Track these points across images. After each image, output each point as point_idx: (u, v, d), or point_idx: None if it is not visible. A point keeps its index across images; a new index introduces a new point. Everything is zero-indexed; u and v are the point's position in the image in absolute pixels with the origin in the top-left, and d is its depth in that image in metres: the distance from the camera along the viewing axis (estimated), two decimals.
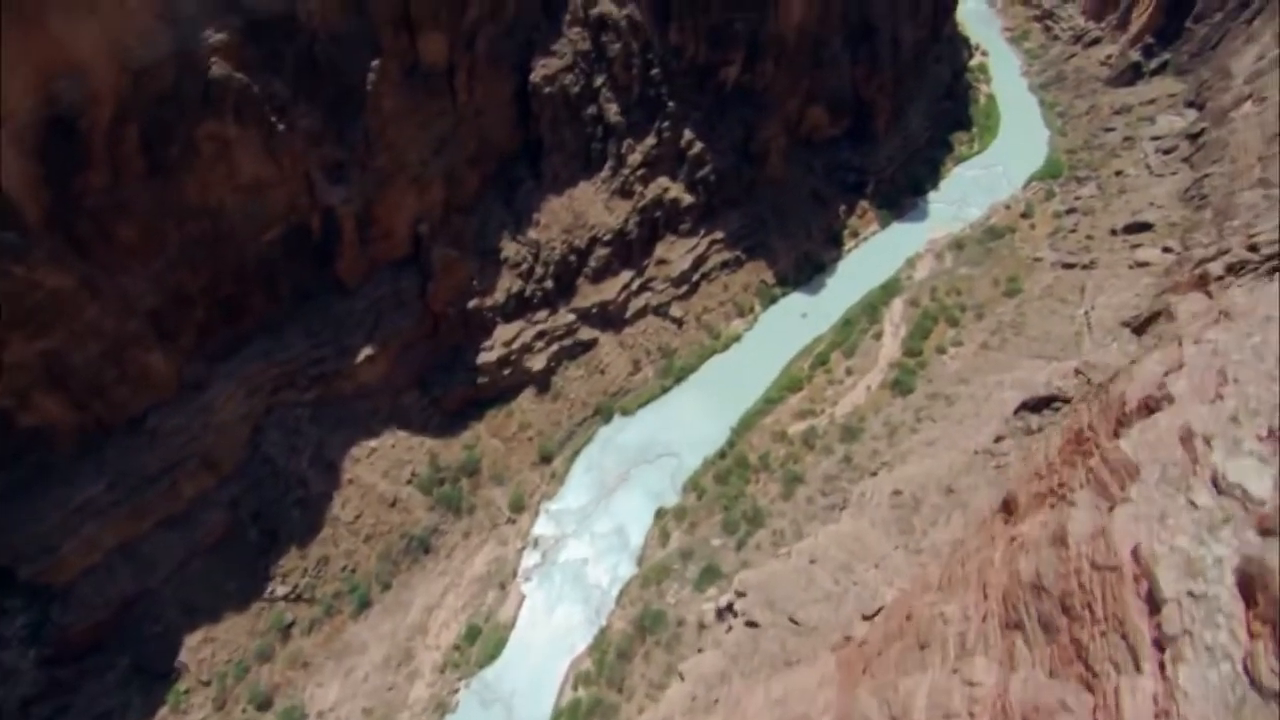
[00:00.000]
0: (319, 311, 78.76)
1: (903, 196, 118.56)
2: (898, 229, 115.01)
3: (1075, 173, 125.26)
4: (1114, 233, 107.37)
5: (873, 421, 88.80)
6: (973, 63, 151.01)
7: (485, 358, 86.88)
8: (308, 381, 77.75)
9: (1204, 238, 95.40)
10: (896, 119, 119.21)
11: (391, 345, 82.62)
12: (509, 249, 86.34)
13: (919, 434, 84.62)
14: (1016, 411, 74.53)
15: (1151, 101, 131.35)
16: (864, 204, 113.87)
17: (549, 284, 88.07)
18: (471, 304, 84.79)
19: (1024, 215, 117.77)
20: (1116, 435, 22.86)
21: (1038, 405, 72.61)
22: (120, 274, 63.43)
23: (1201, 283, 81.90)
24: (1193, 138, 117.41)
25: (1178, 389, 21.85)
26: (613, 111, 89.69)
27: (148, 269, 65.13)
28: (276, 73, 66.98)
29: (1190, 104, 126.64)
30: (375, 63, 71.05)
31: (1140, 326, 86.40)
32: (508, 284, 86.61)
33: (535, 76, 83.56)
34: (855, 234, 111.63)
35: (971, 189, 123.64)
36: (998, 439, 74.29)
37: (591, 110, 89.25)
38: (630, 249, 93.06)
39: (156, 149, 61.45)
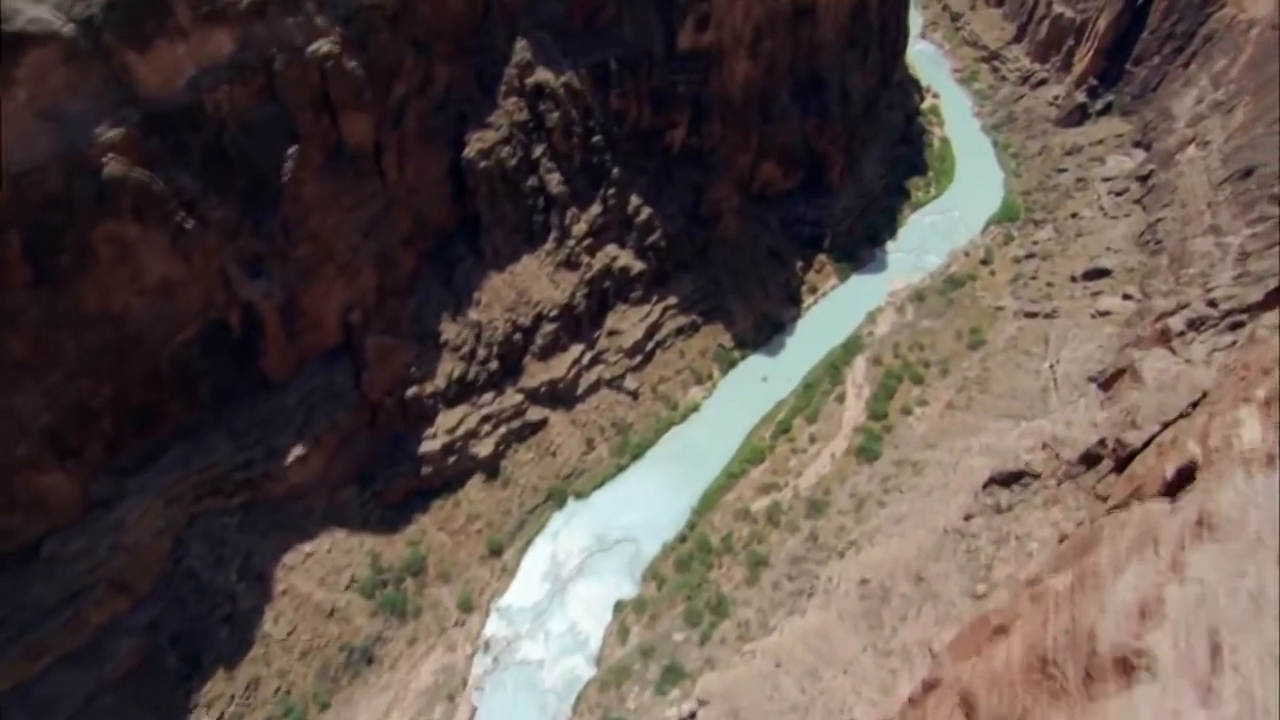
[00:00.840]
0: (244, 411, 73.42)
1: (861, 248, 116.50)
2: (857, 282, 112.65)
3: (1032, 215, 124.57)
4: (1074, 279, 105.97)
5: (838, 493, 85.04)
6: (925, 105, 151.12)
7: (428, 446, 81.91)
8: (234, 487, 72.13)
9: (1162, 284, 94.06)
10: (851, 169, 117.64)
11: (326, 440, 77.38)
12: (449, 331, 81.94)
13: (886, 508, 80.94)
14: (986, 485, 71.28)
15: (1100, 142, 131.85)
16: (822, 258, 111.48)
17: (493, 365, 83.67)
18: (411, 392, 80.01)
19: (983, 262, 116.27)
20: (1086, 687, 18.85)
21: (1007, 480, 69.32)
22: (8, 392, 57.89)
23: (1163, 338, 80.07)
24: (1142, 179, 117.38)
25: (1160, 651, 17.96)
26: (554, 181, 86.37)
27: (41, 384, 59.63)
28: (183, 166, 62.58)
29: (1137, 144, 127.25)
30: (292, 149, 66.93)
31: (1106, 382, 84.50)
32: (449, 368, 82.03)
33: (470, 151, 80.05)
34: (814, 289, 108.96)
35: (930, 236, 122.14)
36: (967, 517, 70.79)
37: (532, 181, 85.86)
38: (579, 322, 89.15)
39: (44, 256, 56.44)
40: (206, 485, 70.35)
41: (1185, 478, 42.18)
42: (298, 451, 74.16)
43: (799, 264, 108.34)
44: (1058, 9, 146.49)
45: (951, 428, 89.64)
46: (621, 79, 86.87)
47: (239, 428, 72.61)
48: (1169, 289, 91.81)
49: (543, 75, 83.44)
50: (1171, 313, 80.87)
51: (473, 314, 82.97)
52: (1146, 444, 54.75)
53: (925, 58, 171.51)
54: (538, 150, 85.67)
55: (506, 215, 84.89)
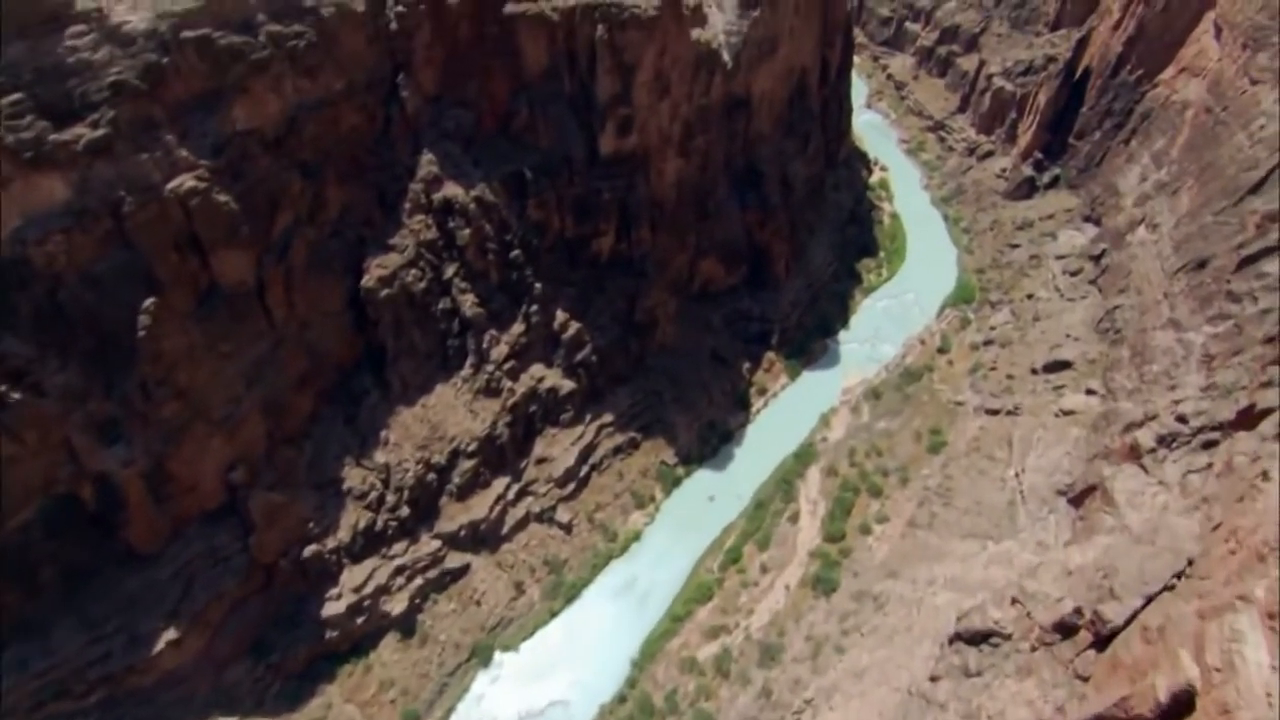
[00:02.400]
0: (103, 593, 63.43)
1: (812, 340, 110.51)
2: (809, 379, 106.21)
3: (987, 295, 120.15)
4: (1034, 371, 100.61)
5: (793, 635, 76.69)
6: (873, 180, 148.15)
7: (333, 608, 72.35)
8: (88, 686, 61.73)
9: (1126, 380, 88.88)
10: (798, 258, 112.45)
11: (210, 613, 67.47)
12: (353, 477, 73.23)
13: (846, 655, 72.70)
14: (952, 642, 63.67)
15: (1050, 216, 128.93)
16: (771, 355, 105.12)
17: (404, 511, 74.88)
18: (310, 549, 70.75)
19: (940, 350, 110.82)
20: None
21: (975, 639, 61.76)
22: None
23: (1133, 453, 74.05)
24: (1095, 259, 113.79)
25: None
26: (469, 303, 79.11)
27: None
28: (9, 329, 54.05)
29: (1087, 218, 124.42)
30: (149, 301, 58.75)
31: (1077, 498, 78.11)
32: (354, 518, 73.04)
33: (370, 279, 72.59)
34: (763, 391, 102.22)
35: (884, 322, 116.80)
36: (933, 678, 62.95)
37: (444, 304, 78.58)
38: (502, 453, 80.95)
39: None
40: (50, 689, 59.91)
41: (1183, 705, 35.97)
42: (169, 635, 64.14)
43: (746, 365, 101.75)
44: (998, 83, 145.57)
45: (913, 551, 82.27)
46: (539, 188, 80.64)
47: (94, 615, 62.52)
48: (1133, 387, 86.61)
49: (452, 189, 76.89)
50: (1140, 424, 75.16)
51: (379, 455, 74.42)
52: (1129, 620, 48.27)
53: (872, 128, 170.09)
54: (449, 270, 78.59)
55: (416, 343, 77.19)
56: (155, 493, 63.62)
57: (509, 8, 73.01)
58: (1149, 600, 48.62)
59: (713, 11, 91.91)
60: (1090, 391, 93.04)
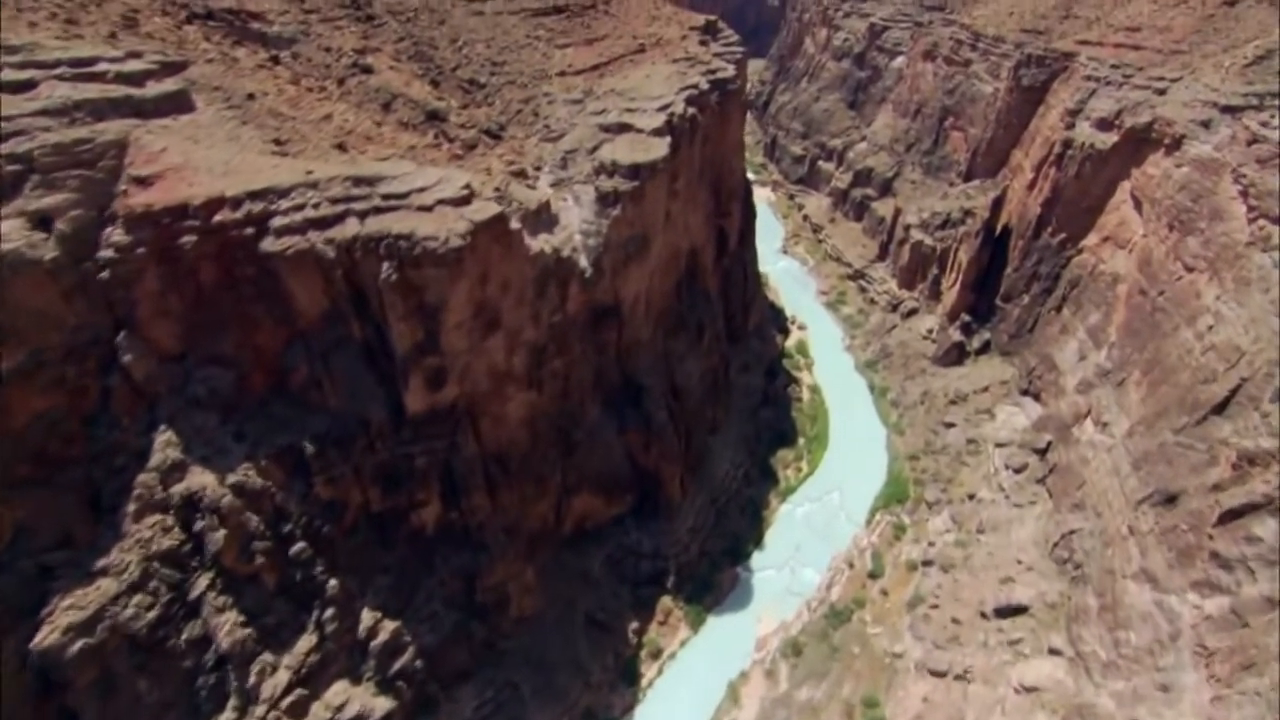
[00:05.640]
0: None
1: (718, 571, 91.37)
2: (715, 627, 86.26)
3: (923, 492, 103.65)
4: (984, 615, 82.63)
5: None
6: (790, 344, 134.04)
7: None
8: None
9: (1097, 644, 71.51)
10: (697, 470, 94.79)
11: None
12: None
13: None
14: None
15: (985, 389, 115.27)
16: (667, 601, 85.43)
17: None
18: None
19: (872, 575, 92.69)
20: None
21: None
22: None
23: None
24: (1040, 452, 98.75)
25: None
26: (227, 626, 57.94)
27: None
28: None
29: (1025, 392, 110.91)
30: None
31: None
32: None
33: (49, 634, 51.15)
34: (657, 653, 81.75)
35: (805, 536, 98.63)
36: None
37: (189, 634, 57.16)
38: None
39: None
40: None
41: None
42: None
43: (633, 624, 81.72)
44: (916, 235, 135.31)
45: None
46: (327, 461, 61.46)
47: None
48: (1108, 659, 69.01)
49: (200, 478, 57.13)
50: None
51: None
52: None
53: (789, 276, 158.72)
54: (200, 585, 57.72)
55: (142, 695, 55.15)
56: None
57: (267, 244, 55.79)
58: None
59: (568, 207, 77.02)
60: (1054, 651, 75.03)
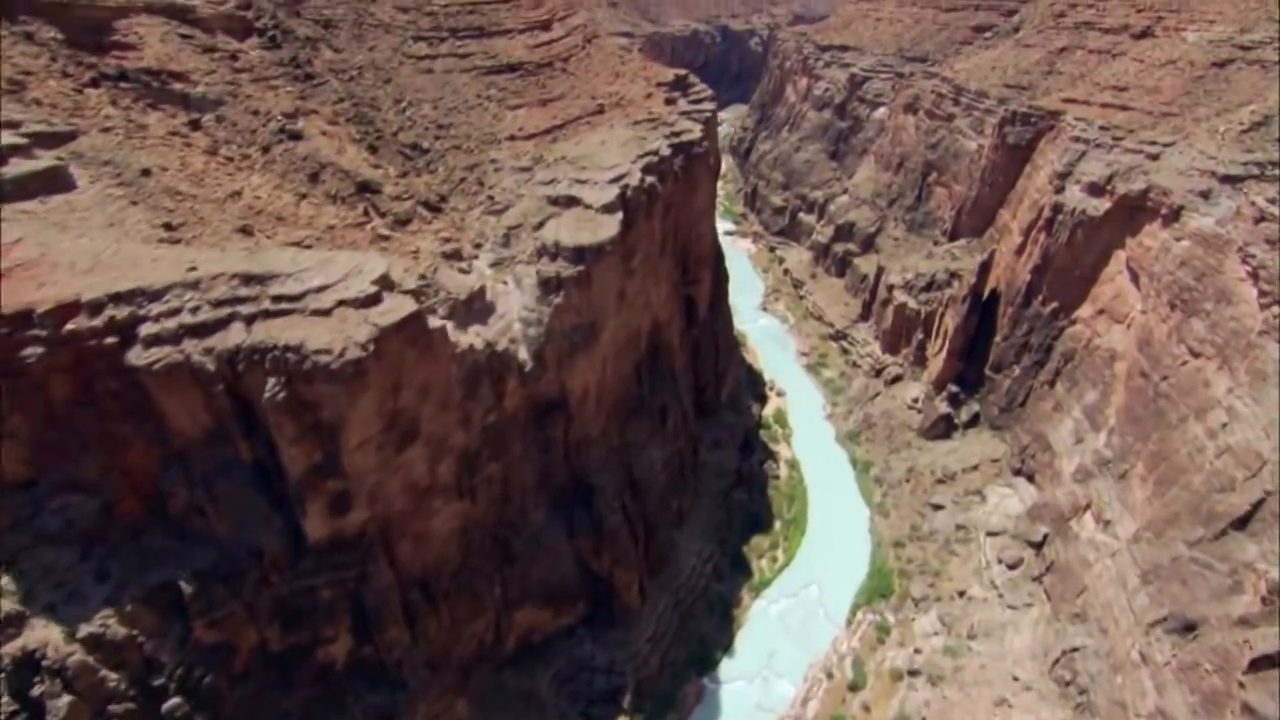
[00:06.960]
0: None
1: (682, 685, 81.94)
2: None
3: (909, 586, 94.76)
4: None
5: None
6: (768, 412, 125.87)
7: None
8: None
9: None
10: (659, 571, 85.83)
11: None
12: None
13: None
14: None
15: (975, 467, 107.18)
16: None
17: None
18: None
19: (853, 687, 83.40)
20: None
21: None
22: None
23: None
24: (1036, 546, 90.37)
25: None
26: None
27: None
28: None
29: (1017, 472, 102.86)
30: None
31: None
32: None
33: None
34: None
35: (780, 639, 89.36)
36: None
37: None
38: None
39: None
40: None
41: None
42: None
43: None
44: (899, 297, 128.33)
45: None
46: (212, 600, 52.40)
47: None
48: None
49: (41, 632, 47.97)
50: None
51: None
52: None
53: (768, 336, 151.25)
54: None
55: None
56: None
57: (134, 355, 47.45)
58: None
59: (508, 292, 69.27)
60: None
